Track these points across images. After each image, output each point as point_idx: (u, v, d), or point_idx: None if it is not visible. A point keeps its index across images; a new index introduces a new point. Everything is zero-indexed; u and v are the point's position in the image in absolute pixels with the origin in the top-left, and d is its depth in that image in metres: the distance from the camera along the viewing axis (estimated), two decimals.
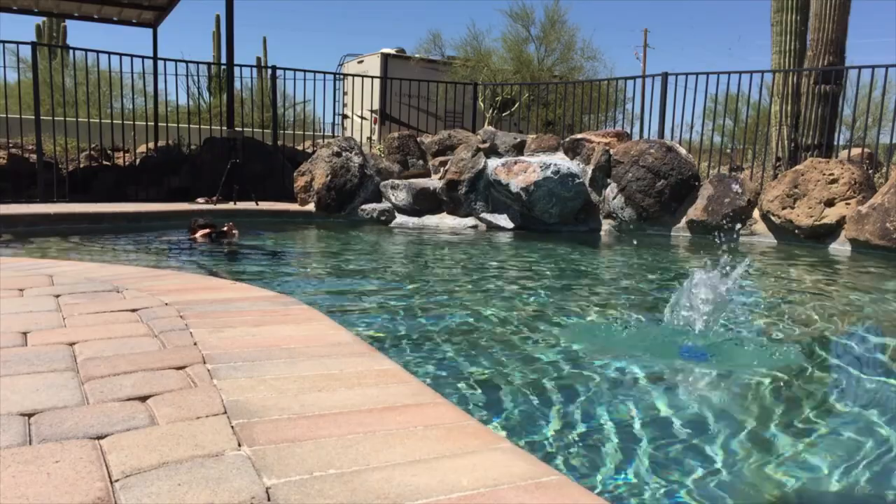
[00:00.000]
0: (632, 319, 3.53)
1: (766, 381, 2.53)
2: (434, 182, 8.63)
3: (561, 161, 7.98)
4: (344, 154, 8.57)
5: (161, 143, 10.21)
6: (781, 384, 2.52)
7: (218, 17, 17.67)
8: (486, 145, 8.29)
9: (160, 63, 10.09)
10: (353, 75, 12.29)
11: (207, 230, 6.23)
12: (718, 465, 1.85)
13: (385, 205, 8.44)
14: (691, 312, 2.99)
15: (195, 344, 1.97)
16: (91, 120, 9.73)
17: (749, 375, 2.59)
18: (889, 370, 2.89)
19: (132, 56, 9.19)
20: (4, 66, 9.38)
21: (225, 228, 6.32)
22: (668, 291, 4.03)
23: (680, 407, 2.27)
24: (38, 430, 1.35)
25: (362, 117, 13.93)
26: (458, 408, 1.54)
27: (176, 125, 10.15)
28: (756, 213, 7.45)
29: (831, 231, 6.81)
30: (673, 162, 7.72)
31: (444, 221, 8.23)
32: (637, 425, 2.09)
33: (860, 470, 1.86)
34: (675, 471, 1.80)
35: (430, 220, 8.27)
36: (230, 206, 8.34)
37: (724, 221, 7.38)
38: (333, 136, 11.28)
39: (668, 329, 3.10)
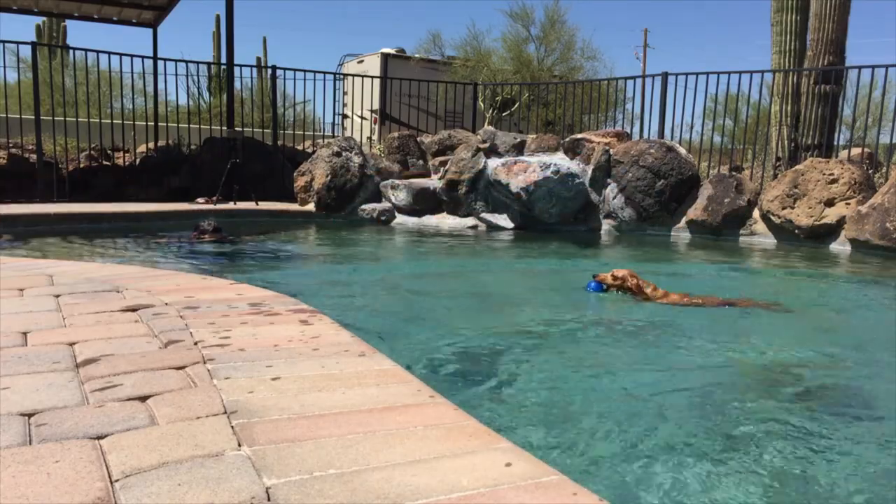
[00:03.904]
0: None
1: None
2: (434, 182, 8.62)
3: (561, 161, 7.97)
4: (344, 154, 8.57)
5: (161, 143, 10.21)
6: None
7: (218, 17, 17.67)
8: (486, 145, 8.29)
9: (160, 63, 10.09)
10: (353, 75, 12.28)
11: (216, 234, 6.16)
12: None
13: (385, 205, 8.43)
14: None
15: (195, 344, 1.97)
16: (91, 120, 9.72)
17: None
18: None
19: (132, 56, 9.20)
20: (4, 66, 9.39)
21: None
22: None
23: None
24: (38, 430, 1.35)
25: (362, 117, 13.93)
26: (459, 408, 1.54)
27: (176, 125, 10.15)
28: (756, 213, 7.44)
29: (831, 231, 6.81)
30: (673, 162, 7.72)
31: (444, 221, 8.22)
32: None
33: None
34: None
35: (430, 220, 8.26)
36: (230, 206, 8.34)
37: (724, 221, 7.38)
38: (333, 136, 11.27)
39: None
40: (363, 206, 8.40)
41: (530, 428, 2.01)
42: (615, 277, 3.94)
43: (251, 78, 17.04)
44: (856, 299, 4.75)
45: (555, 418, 2.13)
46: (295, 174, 8.84)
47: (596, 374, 2.64)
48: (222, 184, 8.43)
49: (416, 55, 17.22)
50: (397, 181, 8.54)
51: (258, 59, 19.12)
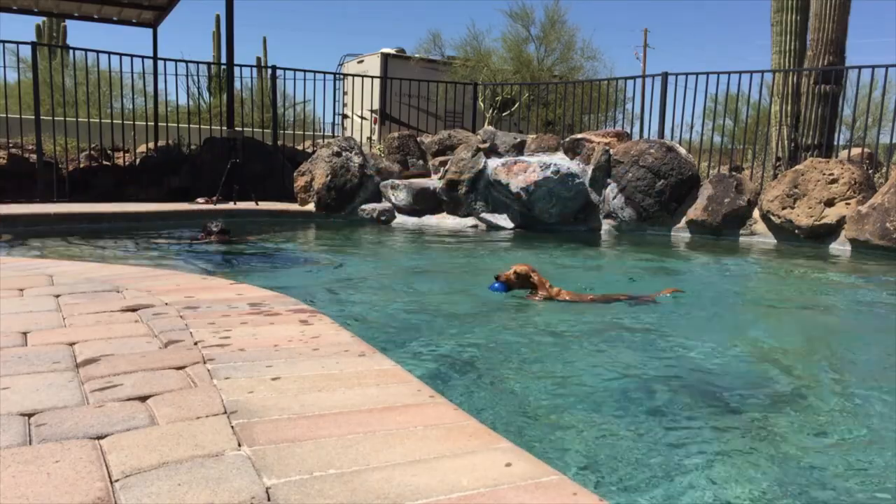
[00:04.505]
0: None
1: None
2: (434, 182, 8.62)
3: (561, 161, 7.97)
4: (344, 154, 8.57)
5: (161, 143, 10.21)
6: None
7: (218, 17, 17.67)
8: (486, 145, 8.29)
9: (160, 63, 10.09)
10: (353, 75, 12.28)
11: (223, 236, 6.20)
12: None
13: (385, 205, 8.43)
14: None
15: (195, 344, 1.97)
16: (91, 120, 9.72)
17: None
18: None
19: (132, 56, 9.20)
20: (4, 66, 9.39)
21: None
22: None
23: None
24: (38, 430, 1.35)
25: (362, 117, 13.93)
26: (459, 408, 1.54)
27: (176, 125, 10.15)
28: (756, 213, 7.44)
29: (831, 231, 6.80)
30: (673, 162, 7.72)
31: (444, 221, 8.22)
32: None
33: None
34: None
35: (430, 220, 8.26)
36: (230, 206, 8.34)
37: (724, 221, 7.38)
38: (333, 136, 11.28)
39: None
40: (363, 206, 8.40)
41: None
42: (517, 274, 3.99)
43: (251, 78, 17.06)
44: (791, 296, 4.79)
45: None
46: (295, 174, 8.84)
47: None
48: (222, 184, 8.43)
49: (416, 55, 17.23)
50: (397, 181, 8.54)
51: (258, 59, 19.13)
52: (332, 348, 1.97)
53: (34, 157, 8.62)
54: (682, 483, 1.77)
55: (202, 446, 1.29)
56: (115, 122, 10.08)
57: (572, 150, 8.18)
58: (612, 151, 7.96)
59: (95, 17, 10.82)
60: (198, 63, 13.47)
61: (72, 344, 1.95)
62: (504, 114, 15.69)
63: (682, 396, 2.43)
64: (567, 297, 3.92)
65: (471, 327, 3.35)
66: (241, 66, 10.97)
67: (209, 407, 1.49)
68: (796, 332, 3.68)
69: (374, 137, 13.43)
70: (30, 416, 1.43)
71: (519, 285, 3.99)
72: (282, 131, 11.52)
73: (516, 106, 15.46)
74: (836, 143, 9.40)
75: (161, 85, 14.77)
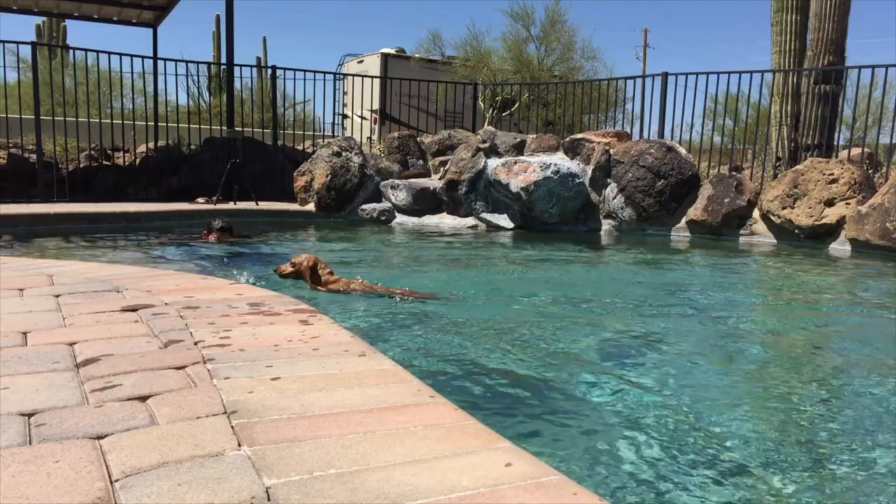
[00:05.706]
0: None
1: None
2: (434, 182, 8.62)
3: (561, 161, 7.97)
4: (344, 154, 8.57)
5: (161, 143, 10.20)
6: None
7: (218, 17, 17.66)
8: (486, 145, 8.29)
9: (160, 63, 10.09)
10: (353, 75, 12.29)
11: (225, 234, 6.21)
12: None
13: (385, 205, 8.43)
14: None
15: (195, 344, 1.97)
16: (91, 120, 9.71)
17: None
18: None
19: (132, 56, 9.19)
20: (4, 66, 9.40)
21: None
22: None
23: None
24: (38, 430, 1.35)
25: (362, 117, 13.93)
26: (459, 408, 1.54)
27: (176, 125, 10.14)
28: (756, 213, 7.44)
29: (831, 231, 6.81)
30: (673, 162, 7.72)
31: (444, 221, 8.23)
32: None
33: None
34: None
35: (430, 219, 8.26)
36: (230, 206, 8.34)
37: (724, 221, 7.38)
38: (333, 136, 11.28)
39: None
40: (363, 206, 8.40)
41: None
42: (293, 265, 3.99)
43: (251, 78, 17.09)
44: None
45: None
46: (295, 174, 8.84)
47: None
48: (222, 184, 8.43)
49: (416, 55, 17.23)
50: (397, 181, 8.54)
51: (258, 59, 19.13)
52: (332, 348, 1.97)
53: (34, 157, 8.62)
54: None
55: (202, 446, 1.29)
56: (115, 122, 10.08)
57: (572, 150, 8.18)
58: (612, 151, 7.96)
59: (95, 17, 10.82)
60: (198, 63, 13.45)
61: (72, 344, 1.95)
62: (504, 114, 15.69)
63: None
64: (343, 287, 3.93)
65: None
66: (241, 66, 10.95)
67: (209, 407, 1.49)
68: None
69: (374, 137, 13.43)
70: (30, 415, 1.43)
71: (294, 275, 3.97)
72: (282, 131, 11.53)
73: (516, 106, 15.46)
74: (836, 143, 9.40)
75: (161, 85, 14.74)
